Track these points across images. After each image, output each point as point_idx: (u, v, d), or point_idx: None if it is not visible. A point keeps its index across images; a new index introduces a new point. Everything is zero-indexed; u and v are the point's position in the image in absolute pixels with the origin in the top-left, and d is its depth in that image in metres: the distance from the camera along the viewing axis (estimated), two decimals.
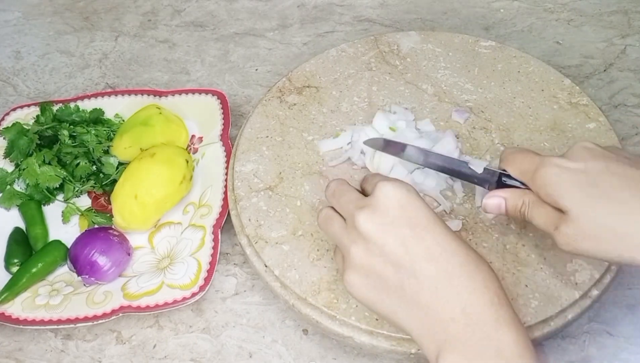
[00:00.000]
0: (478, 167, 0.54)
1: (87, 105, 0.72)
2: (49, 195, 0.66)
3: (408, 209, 0.43)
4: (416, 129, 0.62)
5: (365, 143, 0.59)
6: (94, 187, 0.66)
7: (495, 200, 0.50)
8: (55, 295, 0.59)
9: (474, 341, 0.39)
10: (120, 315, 0.57)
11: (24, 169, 0.65)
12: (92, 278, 0.59)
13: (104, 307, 0.57)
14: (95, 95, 0.74)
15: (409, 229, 0.42)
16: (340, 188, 0.48)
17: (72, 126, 0.68)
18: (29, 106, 0.74)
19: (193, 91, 0.73)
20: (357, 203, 0.45)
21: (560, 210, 0.45)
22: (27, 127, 0.68)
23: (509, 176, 0.50)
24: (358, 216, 0.43)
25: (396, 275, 0.42)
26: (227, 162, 0.65)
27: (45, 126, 0.68)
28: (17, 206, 0.66)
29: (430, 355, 0.41)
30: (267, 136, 0.65)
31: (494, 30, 0.81)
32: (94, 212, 0.65)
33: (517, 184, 0.50)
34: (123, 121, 0.71)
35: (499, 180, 0.51)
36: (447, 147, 0.59)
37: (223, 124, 0.69)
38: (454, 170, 0.55)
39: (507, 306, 0.40)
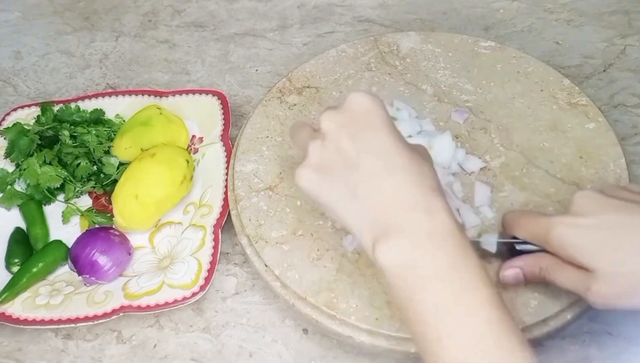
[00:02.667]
0: (491, 246, 0.52)
1: (88, 105, 0.73)
2: (49, 195, 0.66)
3: (369, 114, 0.45)
4: (418, 125, 0.63)
5: None
6: (94, 187, 0.66)
7: (512, 272, 0.50)
8: (55, 294, 0.59)
9: (406, 227, 0.41)
10: (121, 314, 0.57)
11: (24, 170, 0.65)
12: (93, 278, 0.59)
13: (105, 307, 0.57)
14: (96, 95, 0.74)
15: (364, 129, 0.44)
16: (301, 123, 0.51)
17: (72, 126, 0.68)
18: (29, 106, 0.74)
19: (193, 92, 0.73)
20: (325, 112, 0.47)
21: (584, 268, 0.44)
22: (27, 128, 0.68)
23: (522, 242, 0.50)
24: (324, 115, 0.46)
25: (343, 169, 0.44)
26: (228, 162, 0.65)
27: (45, 126, 0.68)
28: (18, 206, 0.66)
29: (367, 246, 0.43)
30: (267, 136, 0.65)
31: (493, 31, 0.81)
32: (95, 212, 0.65)
33: (531, 247, 0.49)
34: (124, 121, 0.71)
35: (513, 248, 0.51)
36: (445, 149, 0.59)
37: (223, 125, 0.69)
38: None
39: (440, 196, 0.43)
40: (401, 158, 0.43)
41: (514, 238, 0.51)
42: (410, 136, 0.61)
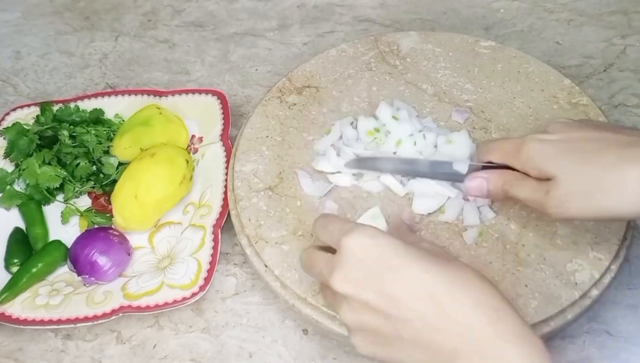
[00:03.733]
0: (462, 167, 0.54)
1: (87, 105, 0.72)
2: (48, 196, 0.66)
3: (376, 255, 0.41)
4: (419, 124, 0.63)
5: (346, 165, 0.60)
6: (93, 187, 0.66)
7: (477, 181, 0.52)
8: (55, 295, 0.59)
9: (479, 360, 0.38)
10: (121, 315, 0.57)
11: (24, 170, 0.65)
12: (92, 278, 0.59)
13: (104, 307, 0.57)
14: (96, 95, 0.74)
15: (384, 275, 0.41)
16: (309, 257, 0.47)
17: (72, 126, 0.68)
18: (29, 106, 0.74)
19: (193, 91, 0.73)
20: (328, 266, 0.43)
21: (546, 180, 0.47)
22: (27, 128, 0.68)
23: (493, 166, 0.52)
24: (332, 281, 0.42)
25: (389, 325, 0.41)
26: (227, 162, 0.65)
27: (45, 126, 0.68)
28: (17, 206, 0.66)
29: None
30: (267, 136, 0.65)
31: (494, 30, 0.81)
32: (94, 212, 0.65)
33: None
34: (123, 121, 0.71)
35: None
36: (465, 144, 0.60)
37: (223, 124, 0.69)
38: (439, 173, 0.57)
39: (505, 318, 0.39)
40: (442, 282, 0.40)
41: (488, 164, 0.53)
42: (411, 135, 0.61)
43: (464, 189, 0.53)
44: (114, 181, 0.65)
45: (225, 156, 0.66)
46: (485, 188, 0.52)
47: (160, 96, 0.73)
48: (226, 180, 0.63)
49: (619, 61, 0.76)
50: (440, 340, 0.39)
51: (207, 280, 0.58)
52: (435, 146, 0.61)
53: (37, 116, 0.70)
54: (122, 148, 0.67)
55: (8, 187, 0.66)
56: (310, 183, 0.60)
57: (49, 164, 0.66)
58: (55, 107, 0.71)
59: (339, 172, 0.60)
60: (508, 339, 0.38)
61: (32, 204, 0.65)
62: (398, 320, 0.40)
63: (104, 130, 0.69)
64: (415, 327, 0.40)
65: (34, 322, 0.57)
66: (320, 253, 0.46)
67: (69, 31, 0.88)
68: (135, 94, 0.74)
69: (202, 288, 0.57)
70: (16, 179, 0.67)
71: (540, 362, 0.38)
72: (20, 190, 0.67)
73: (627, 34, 0.79)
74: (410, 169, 0.58)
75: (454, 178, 0.56)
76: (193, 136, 0.71)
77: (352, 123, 0.63)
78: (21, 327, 0.57)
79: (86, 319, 0.56)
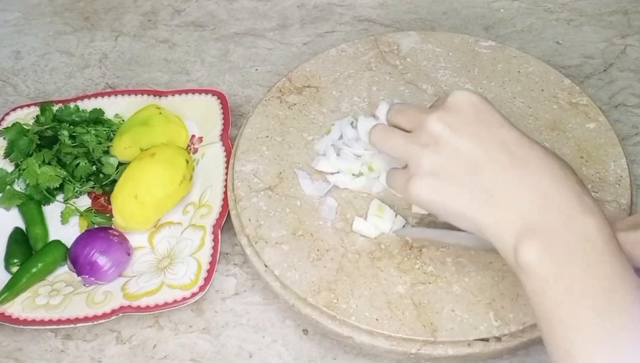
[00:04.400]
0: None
1: (87, 105, 0.72)
2: (48, 196, 0.66)
3: (481, 110, 0.42)
4: None
5: None
6: (93, 187, 0.66)
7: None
8: (55, 295, 0.59)
9: (556, 226, 0.38)
10: (120, 315, 0.57)
11: (24, 170, 0.65)
12: (92, 278, 0.59)
13: (104, 307, 0.57)
14: (95, 95, 0.74)
15: (483, 126, 0.41)
16: (404, 106, 0.47)
17: (72, 126, 0.68)
18: (28, 106, 0.74)
19: (193, 91, 0.73)
20: (426, 111, 0.43)
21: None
22: (27, 128, 0.68)
23: None
24: (429, 117, 0.42)
25: (470, 171, 0.41)
26: (227, 162, 0.65)
27: (45, 126, 0.68)
28: (17, 206, 0.66)
29: (507, 249, 0.39)
30: (267, 136, 0.65)
31: (494, 30, 0.81)
32: (94, 212, 0.65)
33: None
34: (123, 121, 0.71)
35: None
36: None
37: (223, 124, 0.69)
38: None
39: (589, 195, 0.39)
40: (535, 150, 0.41)
41: None
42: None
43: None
44: (114, 181, 0.65)
45: (225, 156, 0.66)
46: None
47: (160, 96, 0.73)
48: (226, 180, 0.63)
49: (619, 61, 0.76)
50: (517, 193, 0.39)
51: (207, 280, 0.58)
52: None
53: (37, 116, 0.70)
54: (122, 148, 0.67)
55: (8, 187, 0.66)
56: (310, 184, 0.60)
57: (49, 164, 0.66)
58: (55, 107, 0.71)
59: (338, 172, 0.60)
60: (592, 212, 0.38)
61: (32, 205, 0.65)
62: (482, 165, 0.40)
63: (104, 130, 0.69)
64: (496, 176, 0.40)
65: (33, 322, 0.57)
66: (398, 129, 0.46)
67: (69, 31, 0.88)
68: (135, 94, 0.74)
69: (202, 288, 0.57)
70: (16, 179, 0.67)
71: (615, 242, 0.38)
72: (20, 190, 0.67)
73: (627, 34, 0.79)
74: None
75: None
76: (193, 136, 0.71)
77: (352, 123, 0.63)
78: (21, 327, 0.57)
79: (86, 319, 0.56)
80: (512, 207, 0.39)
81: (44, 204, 0.66)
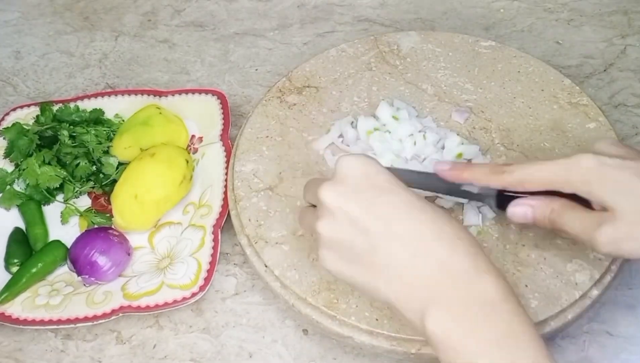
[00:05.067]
0: (473, 187, 0.51)
1: (87, 105, 0.72)
2: (48, 196, 0.66)
3: (369, 175, 0.42)
4: (419, 124, 0.63)
5: None
6: (93, 187, 0.66)
7: (522, 209, 0.48)
8: (55, 295, 0.59)
9: (456, 293, 0.39)
10: (120, 315, 0.57)
11: (24, 170, 0.65)
12: (92, 278, 0.59)
13: (104, 307, 0.57)
14: (95, 95, 0.74)
15: (373, 192, 0.41)
16: (310, 181, 0.48)
17: (72, 126, 0.68)
18: (28, 106, 0.74)
19: (193, 91, 0.73)
20: (319, 183, 0.44)
21: (600, 210, 0.44)
22: (27, 128, 0.68)
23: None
24: (321, 190, 0.43)
25: (366, 242, 0.41)
26: (227, 162, 0.65)
27: (45, 126, 0.68)
28: (17, 206, 0.66)
29: (415, 320, 0.40)
30: (267, 136, 0.65)
31: (494, 30, 0.81)
32: (94, 212, 0.65)
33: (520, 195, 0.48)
34: (123, 121, 0.71)
35: (499, 194, 0.50)
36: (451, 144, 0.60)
37: (223, 124, 0.69)
38: (450, 189, 0.53)
39: (482, 254, 0.40)
40: (426, 214, 0.41)
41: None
42: (411, 135, 0.61)
43: (508, 214, 0.49)
44: (114, 181, 0.65)
45: (225, 156, 0.66)
46: (530, 216, 0.48)
47: (160, 96, 0.73)
48: (226, 180, 0.63)
49: (619, 61, 0.76)
50: (416, 264, 0.40)
51: (207, 280, 0.58)
52: (437, 146, 0.61)
53: (37, 116, 0.70)
54: (122, 148, 0.67)
55: (8, 187, 0.66)
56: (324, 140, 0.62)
57: (49, 164, 0.66)
58: (55, 107, 0.71)
59: None
60: (486, 271, 0.39)
61: (32, 205, 0.65)
62: (377, 237, 0.40)
63: (104, 130, 0.69)
64: (392, 247, 0.40)
65: (34, 322, 0.57)
66: (311, 208, 0.46)
67: (69, 31, 0.88)
68: (135, 94, 0.74)
69: (202, 288, 0.57)
70: (16, 179, 0.67)
71: (513, 297, 0.39)
72: (20, 190, 0.67)
73: (627, 34, 0.79)
74: (419, 183, 0.53)
75: (478, 198, 0.53)
76: (193, 136, 0.71)
77: (352, 123, 0.63)
78: (21, 327, 0.57)
79: (86, 319, 0.56)
80: (414, 279, 0.40)
81: (44, 204, 0.66)
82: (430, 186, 0.54)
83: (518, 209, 0.48)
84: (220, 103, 0.71)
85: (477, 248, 0.40)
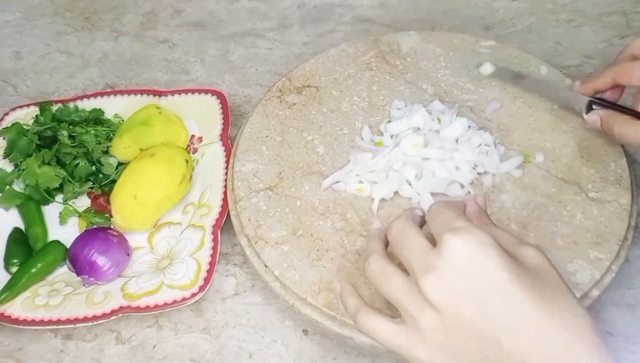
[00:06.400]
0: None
1: (87, 105, 0.72)
2: (47, 197, 0.66)
3: (483, 268, 0.36)
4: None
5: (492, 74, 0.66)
6: (92, 188, 0.66)
7: (594, 117, 0.57)
8: (54, 295, 0.59)
9: None
10: (120, 315, 0.57)
11: (23, 170, 0.65)
12: (92, 278, 0.59)
13: (104, 307, 0.57)
14: (95, 95, 0.74)
15: (487, 293, 0.36)
16: (403, 232, 0.41)
17: (71, 126, 0.68)
18: (28, 106, 0.74)
19: (193, 91, 0.73)
20: (421, 260, 0.38)
21: None
22: (26, 128, 0.68)
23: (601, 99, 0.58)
24: (424, 282, 0.37)
25: (478, 347, 0.36)
26: (227, 162, 0.65)
27: (44, 126, 0.68)
28: (17, 206, 0.66)
29: None
30: (267, 136, 0.64)
31: (494, 30, 0.81)
32: (93, 212, 0.65)
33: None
34: (123, 121, 0.71)
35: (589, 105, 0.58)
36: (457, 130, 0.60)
37: (223, 124, 0.69)
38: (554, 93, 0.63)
39: (602, 338, 0.36)
40: (547, 317, 0.36)
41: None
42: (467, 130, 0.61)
43: (585, 119, 0.58)
44: (114, 181, 0.65)
45: (225, 156, 0.66)
46: (599, 123, 0.56)
47: (160, 96, 0.73)
48: (226, 180, 0.63)
49: None
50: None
51: (206, 280, 0.58)
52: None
53: (37, 116, 0.70)
54: (121, 148, 0.67)
55: (8, 187, 0.66)
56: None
57: (49, 164, 0.66)
58: (55, 107, 0.71)
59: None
60: (607, 359, 0.35)
61: (32, 205, 0.65)
62: (492, 344, 0.36)
63: (104, 130, 0.69)
64: (509, 357, 0.36)
65: (33, 322, 0.57)
66: (397, 270, 0.40)
67: (69, 31, 0.88)
68: (135, 94, 0.74)
69: (201, 288, 0.57)
70: (16, 179, 0.67)
71: None
72: (19, 190, 0.66)
73: (627, 34, 0.79)
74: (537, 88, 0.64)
75: (574, 105, 0.60)
76: (193, 136, 0.71)
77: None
78: (21, 327, 0.57)
79: (86, 319, 0.56)
80: None
81: (44, 205, 0.66)
82: (537, 88, 0.65)
83: (591, 118, 0.57)
84: (220, 103, 0.71)
85: (599, 345, 0.36)
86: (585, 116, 0.58)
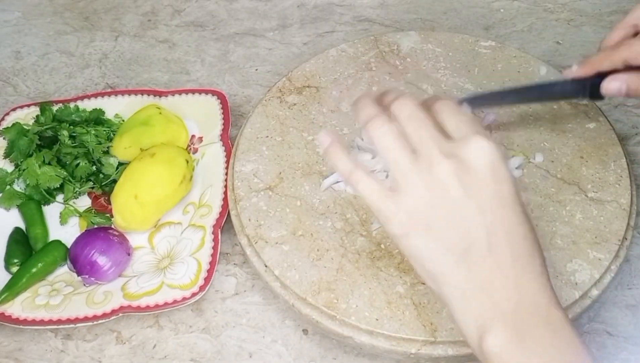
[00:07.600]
0: (567, 84, 0.54)
1: (87, 105, 0.72)
2: (48, 197, 0.66)
3: (497, 177, 0.38)
4: None
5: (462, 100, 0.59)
6: (93, 188, 0.66)
7: (616, 83, 0.51)
8: (55, 295, 0.59)
9: (523, 316, 0.37)
10: (120, 315, 0.57)
11: (24, 170, 0.65)
12: (92, 278, 0.59)
13: (104, 307, 0.57)
14: (95, 95, 0.74)
15: (495, 199, 0.38)
16: (419, 115, 0.41)
17: (72, 126, 0.68)
18: (28, 106, 0.74)
19: (193, 91, 0.73)
20: (443, 145, 0.39)
21: None
22: (27, 128, 0.68)
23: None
24: (442, 164, 0.38)
25: (467, 238, 0.38)
26: (227, 162, 0.65)
27: (45, 127, 0.68)
28: (17, 206, 0.66)
29: (471, 333, 0.38)
30: (267, 136, 0.65)
31: (494, 30, 0.81)
32: (94, 212, 0.65)
33: None
34: (123, 121, 0.71)
35: (593, 87, 0.52)
36: None
37: (223, 124, 0.69)
38: (554, 93, 0.57)
39: (551, 285, 0.39)
40: (526, 241, 0.39)
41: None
42: None
43: (602, 90, 0.51)
44: (114, 181, 0.65)
45: (225, 156, 0.66)
46: (624, 89, 0.51)
47: (160, 96, 0.73)
48: (226, 180, 0.63)
49: None
50: (498, 284, 0.38)
51: (207, 280, 0.58)
52: None
53: (37, 116, 0.70)
54: (122, 148, 0.67)
55: (8, 187, 0.66)
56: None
57: (49, 164, 0.66)
58: (55, 108, 0.71)
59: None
60: (557, 306, 0.38)
61: (32, 205, 0.65)
62: (480, 242, 0.38)
63: (104, 130, 0.69)
64: (488, 259, 0.38)
65: (33, 322, 0.57)
66: (396, 130, 0.40)
67: (69, 31, 0.88)
68: (135, 94, 0.74)
69: (202, 288, 0.57)
70: (16, 179, 0.67)
71: (576, 332, 0.38)
72: (20, 190, 0.67)
73: None
74: (523, 97, 0.59)
75: (570, 95, 0.56)
76: (193, 136, 0.71)
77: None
78: (21, 327, 0.57)
79: (86, 319, 0.56)
80: (488, 294, 0.38)
81: (44, 205, 0.66)
82: (522, 98, 0.60)
83: (612, 84, 0.51)
84: (220, 103, 0.71)
85: (547, 277, 0.39)
86: (602, 88, 0.51)
